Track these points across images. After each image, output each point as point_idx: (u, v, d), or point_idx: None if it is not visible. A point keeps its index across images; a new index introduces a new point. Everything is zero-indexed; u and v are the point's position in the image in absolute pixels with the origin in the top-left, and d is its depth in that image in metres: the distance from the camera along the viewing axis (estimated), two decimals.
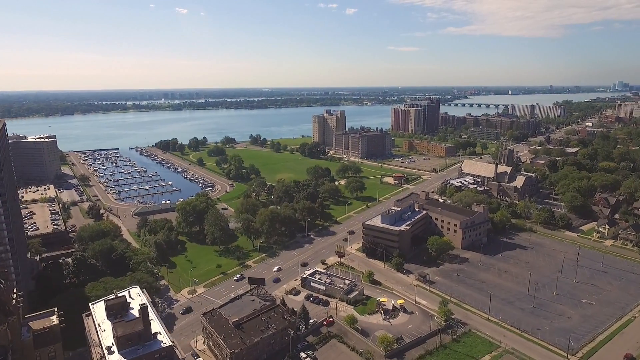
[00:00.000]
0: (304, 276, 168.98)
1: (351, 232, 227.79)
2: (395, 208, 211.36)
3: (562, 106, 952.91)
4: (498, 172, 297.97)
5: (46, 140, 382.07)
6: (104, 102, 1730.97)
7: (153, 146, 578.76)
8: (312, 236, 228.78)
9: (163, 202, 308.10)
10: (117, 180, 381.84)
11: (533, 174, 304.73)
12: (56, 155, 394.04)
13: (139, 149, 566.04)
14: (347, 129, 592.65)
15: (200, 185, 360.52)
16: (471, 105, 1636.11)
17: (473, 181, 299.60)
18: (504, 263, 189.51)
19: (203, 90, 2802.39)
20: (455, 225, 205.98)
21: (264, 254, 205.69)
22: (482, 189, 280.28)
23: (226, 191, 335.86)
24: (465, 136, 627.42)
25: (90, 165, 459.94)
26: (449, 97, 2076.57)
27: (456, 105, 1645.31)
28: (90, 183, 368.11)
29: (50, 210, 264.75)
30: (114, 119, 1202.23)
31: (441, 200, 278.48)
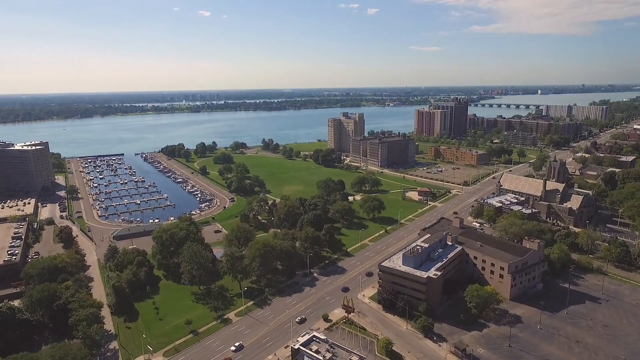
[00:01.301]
0: (296, 346, 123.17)
1: (369, 274, 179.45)
2: (422, 244, 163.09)
3: (603, 107, 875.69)
4: (547, 189, 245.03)
5: (33, 148, 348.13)
6: (125, 105, 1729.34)
7: (159, 152, 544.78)
8: (315, 274, 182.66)
9: (151, 220, 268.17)
10: (110, 192, 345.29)
11: (590, 192, 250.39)
12: (45, 164, 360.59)
13: (144, 155, 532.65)
14: (366, 134, 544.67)
15: (198, 198, 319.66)
16: (499, 105, 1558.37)
17: (516, 200, 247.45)
18: (572, 326, 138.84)
19: (224, 92, 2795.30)
20: (502, 268, 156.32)
21: (251, 302, 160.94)
22: (529, 211, 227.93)
23: (224, 207, 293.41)
24: (497, 141, 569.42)
25: (88, 173, 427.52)
26: (474, 97, 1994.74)
27: (483, 105, 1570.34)
28: (79, 195, 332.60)
29: (14, 232, 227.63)
30: (132, 122, 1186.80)
31: (478, 226, 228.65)
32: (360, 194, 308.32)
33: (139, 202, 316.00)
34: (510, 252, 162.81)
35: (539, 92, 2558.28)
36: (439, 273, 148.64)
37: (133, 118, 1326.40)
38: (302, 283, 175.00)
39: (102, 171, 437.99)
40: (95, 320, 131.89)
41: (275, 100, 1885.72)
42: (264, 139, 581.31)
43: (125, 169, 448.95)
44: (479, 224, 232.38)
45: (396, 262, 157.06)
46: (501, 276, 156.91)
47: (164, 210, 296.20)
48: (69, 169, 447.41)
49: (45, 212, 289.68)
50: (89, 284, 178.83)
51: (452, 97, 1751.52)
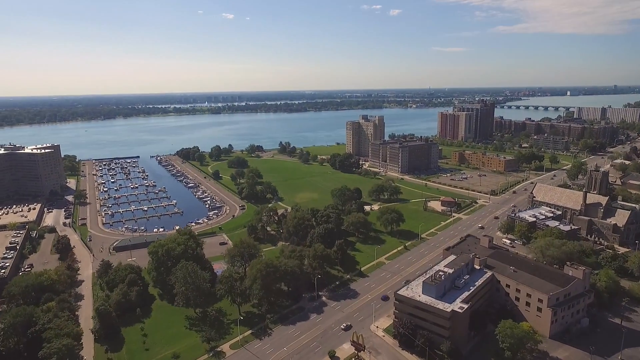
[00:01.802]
0: None
1: (385, 299, 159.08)
2: (445, 269, 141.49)
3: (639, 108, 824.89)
4: (588, 202, 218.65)
5: (42, 151, 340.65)
6: (148, 106, 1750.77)
7: (174, 154, 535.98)
8: (324, 298, 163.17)
9: (155, 229, 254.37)
10: (118, 198, 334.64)
11: (637, 206, 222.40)
12: (55, 167, 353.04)
13: (159, 158, 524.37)
14: (386, 137, 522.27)
15: (207, 205, 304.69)
16: (527, 107, 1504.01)
17: (551, 214, 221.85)
18: None
19: (245, 93, 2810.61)
20: (540, 300, 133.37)
21: (249, 331, 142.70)
22: (568, 228, 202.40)
23: (233, 216, 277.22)
24: (526, 145, 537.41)
25: (101, 176, 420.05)
26: (500, 98, 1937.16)
27: (509, 107, 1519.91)
28: (87, 200, 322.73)
29: (10, 242, 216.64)
30: (153, 123, 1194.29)
31: (508, 243, 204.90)
32: (378, 204, 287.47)
33: (146, 208, 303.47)
34: (549, 280, 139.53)
35: (568, 93, 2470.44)
36: (466, 306, 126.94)
37: (155, 120, 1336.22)
38: (308, 308, 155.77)
39: (115, 174, 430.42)
40: (68, 355, 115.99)
41: (296, 102, 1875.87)
42: (280, 142, 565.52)
43: (139, 172, 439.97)
44: (509, 241, 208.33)
45: (415, 290, 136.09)
46: (539, 309, 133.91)
47: (170, 218, 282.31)
48: (82, 172, 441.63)
49: (49, 219, 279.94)
50: (78, 303, 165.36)
51: (477, 98, 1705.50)
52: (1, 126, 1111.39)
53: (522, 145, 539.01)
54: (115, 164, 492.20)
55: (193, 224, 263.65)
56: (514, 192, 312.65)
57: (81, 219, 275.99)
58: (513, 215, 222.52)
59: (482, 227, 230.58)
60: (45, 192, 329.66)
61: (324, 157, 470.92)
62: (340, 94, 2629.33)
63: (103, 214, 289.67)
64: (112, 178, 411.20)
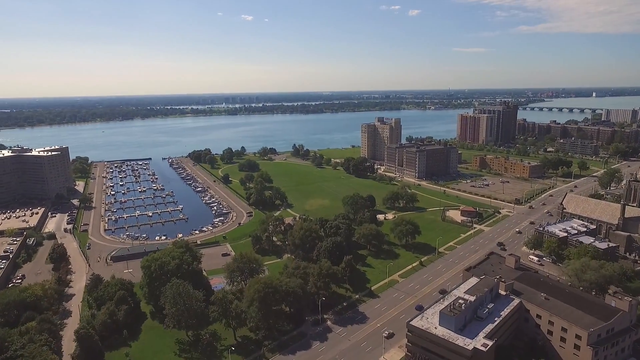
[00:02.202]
0: None
1: (390, 336, 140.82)
2: (466, 296, 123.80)
3: None
4: (626, 216, 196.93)
5: (49, 154, 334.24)
6: (166, 107, 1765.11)
7: (186, 157, 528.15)
8: (328, 322, 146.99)
9: (157, 237, 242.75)
10: (125, 202, 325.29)
11: None
12: (62, 170, 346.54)
13: (170, 160, 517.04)
14: (403, 139, 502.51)
15: (214, 211, 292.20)
16: (550, 109, 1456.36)
17: (585, 229, 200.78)
18: None
19: (263, 94, 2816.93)
20: (579, 337, 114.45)
21: None
22: (605, 245, 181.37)
23: (239, 223, 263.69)
24: (551, 149, 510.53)
25: (110, 179, 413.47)
26: (522, 100, 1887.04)
27: (532, 109, 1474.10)
28: (92, 204, 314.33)
29: (5, 250, 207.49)
30: (171, 124, 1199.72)
31: (536, 260, 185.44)
32: (393, 212, 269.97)
33: (151, 214, 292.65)
34: (588, 311, 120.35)
35: (594, 94, 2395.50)
36: (490, 343, 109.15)
37: (172, 120, 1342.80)
38: (310, 335, 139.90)
39: (125, 177, 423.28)
40: None
41: (313, 103, 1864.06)
42: (294, 145, 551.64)
43: (149, 175, 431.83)
44: (537, 258, 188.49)
45: (431, 321, 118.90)
46: (577, 347, 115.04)
47: (175, 225, 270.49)
48: (92, 174, 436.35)
49: (52, 224, 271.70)
50: (65, 321, 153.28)
51: (498, 100, 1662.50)
52: (22, 126, 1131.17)
53: (547, 150, 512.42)
54: (127, 165, 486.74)
55: (197, 232, 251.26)
56: (543, 203, 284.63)
57: (83, 225, 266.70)
58: (541, 229, 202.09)
59: (502, 247, 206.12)
60: (51, 196, 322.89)
61: (337, 160, 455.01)
62: (358, 95, 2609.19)
63: (106, 219, 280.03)
64: (121, 181, 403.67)
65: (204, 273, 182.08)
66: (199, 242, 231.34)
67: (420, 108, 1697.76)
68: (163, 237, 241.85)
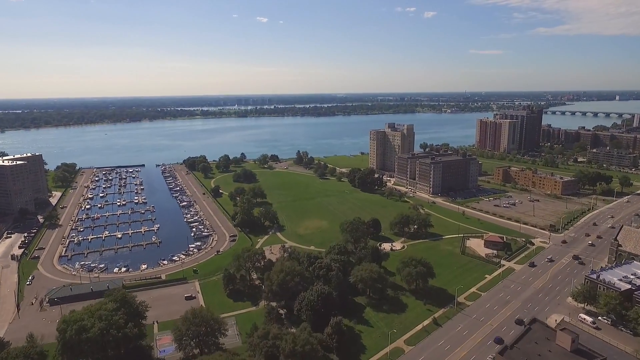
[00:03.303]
0: None
1: None
2: None
3: None
4: None
5: (13, 163, 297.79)
6: (175, 109, 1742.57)
7: (181, 163, 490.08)
8: None
9: (117, 268, 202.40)
10: (97, 218, 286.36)
11: None
12: (33, 181, 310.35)
13: (163, 167, 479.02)
14: (417, 147, 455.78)
15: (193, 233, 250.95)
16: (572, 113, 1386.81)
17: None
18: None
19: (276, 96, 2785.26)
20: None
21: None
22: None
23: (218, 251, 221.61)
24: (582, 160, 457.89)
25: (94, 189, 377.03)
26: (542, 103, 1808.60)
27: (553, 113, 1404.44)
28: (59, 222, 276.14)
29: None
30: (179, 126, 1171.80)
31: (589, 321, 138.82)
32: (402, 240, 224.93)
33: (120, 235, 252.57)
34: None
35: (617, 97, 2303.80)
36: None
37: (181, 122, 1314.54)
38: None
39: (110, 187, 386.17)
40: None
41: (325, 105, 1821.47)
42: (298, 151, 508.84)
43: (135, 185, 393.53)
44: (590, 318, 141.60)
45: None
46: None
47: (143, 250, 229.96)
48: (75, 182, 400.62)
49: (3, 247, 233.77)
50: None
51: (516, 103, 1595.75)
52: (28, 128, 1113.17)
53: (578, 160, 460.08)
54: (116, 173, 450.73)
55: (165, 261, 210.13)
56: (587, 234, 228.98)
57: (37, 249, 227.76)
58: (594, 276, 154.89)
59: (566, 328, 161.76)
60: (13, 211, 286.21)
61: (343, 170, 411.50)
62: (372, 97, 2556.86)
63: (67, 242, 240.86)
64: (104, 192, 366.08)
65: (155, 327, 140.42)
66: (163, 277, 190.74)
67: (435, 111, 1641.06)
68: (123, 269, 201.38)
